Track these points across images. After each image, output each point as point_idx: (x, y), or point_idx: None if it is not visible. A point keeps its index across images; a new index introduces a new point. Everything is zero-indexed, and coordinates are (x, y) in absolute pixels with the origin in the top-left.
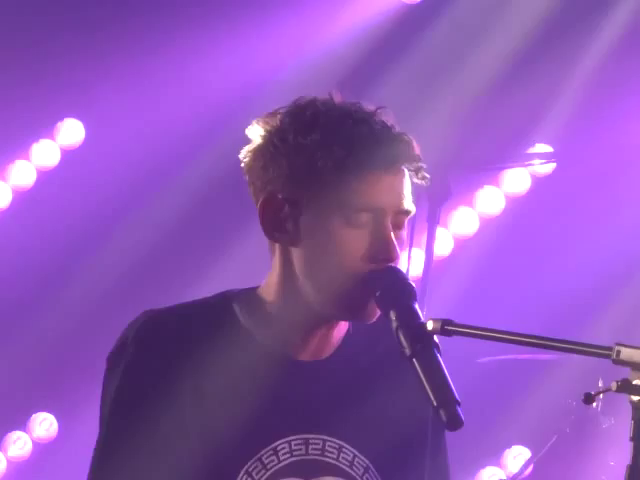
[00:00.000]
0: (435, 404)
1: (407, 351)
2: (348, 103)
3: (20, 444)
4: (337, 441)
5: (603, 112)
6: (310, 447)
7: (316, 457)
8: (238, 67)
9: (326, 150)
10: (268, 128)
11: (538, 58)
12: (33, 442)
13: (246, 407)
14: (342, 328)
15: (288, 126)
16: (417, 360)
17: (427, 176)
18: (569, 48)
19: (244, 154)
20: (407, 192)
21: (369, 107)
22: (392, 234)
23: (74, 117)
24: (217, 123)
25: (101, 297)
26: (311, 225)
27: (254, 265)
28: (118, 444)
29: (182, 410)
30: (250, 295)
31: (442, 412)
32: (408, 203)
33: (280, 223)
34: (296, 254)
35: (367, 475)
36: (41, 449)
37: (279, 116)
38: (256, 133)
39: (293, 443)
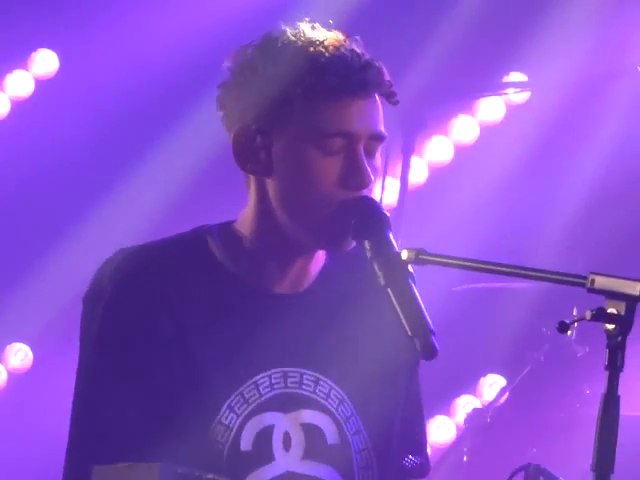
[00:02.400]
0: (409, 333)
1: (381, 281)
2: (318, 32)
3: None
4: (314, 374)
5: (577, 41)
6: (289, 380)
7: (294, 390)
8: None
9: (295, 78)
10: (239, 61)
11: None
12: (8, 372)
13: (226, 342)
14: (319, 260)
15: (258, 57)
16: (391, 290)
17: (398, 101)
18: None
19: (217, 90)
20: (379, 117)
21: (340, 35)
22: (365, 160)
23: (48, 48)
24: (191, 61)
25: (73, 227)
26: (284, 154)
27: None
28: (104, 384)
29: (164, 347)
30: (226, 229)
31: (416, 341)
32: (380, 128)
33: (253, 154)
34: (270, 185)
35: (342, 407)
36: (16, 379)
37: (249, 49)
38: (228, 67)
39: (273, 377)
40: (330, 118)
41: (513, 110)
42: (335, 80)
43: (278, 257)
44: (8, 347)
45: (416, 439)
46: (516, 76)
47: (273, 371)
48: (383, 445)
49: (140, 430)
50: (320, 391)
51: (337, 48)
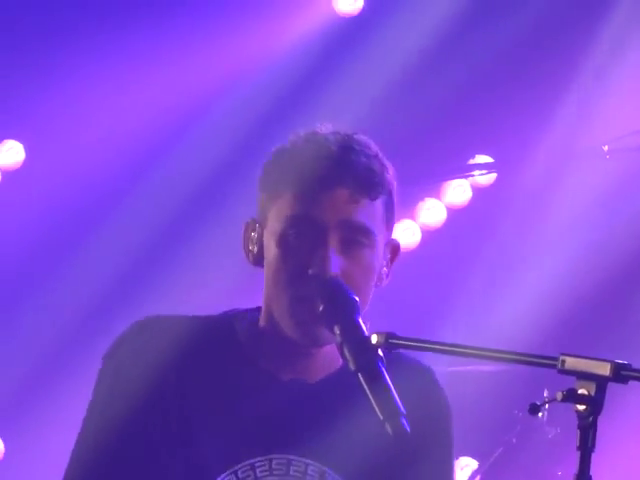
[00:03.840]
0: (381, 417)
1: (352, 365)
2: (317, 135)
3: None
4: (320, 466)
5: (540, 122)
6: (292, 468)
7: (297, 479)
8: (174, 81)
9: (272, 179)
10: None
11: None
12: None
13: (228, 419)
14: (333, 358)
15: (267, 162)
16: (362, 374)
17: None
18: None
19: None
20: (353, 207)
21: (327, 130)
22: (330, 249)
23: (14, 139)
24: (155, 154)
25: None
26: (266, 246)
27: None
28: (102, 435)
29: (166, 415)
30: (252, 313)
31: (387, 425)
32: (360, 216)
33: (251, 245)
34: (266, 278)
35: None
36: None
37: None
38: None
39: (274, 462)
40: (296, 206)
41: (479, 192)
42: (298, 173)
43: (282, 346)
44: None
45: None
46: (482, 158)
47: (275, 456)
48: None
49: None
50: None
51: (321, 146)
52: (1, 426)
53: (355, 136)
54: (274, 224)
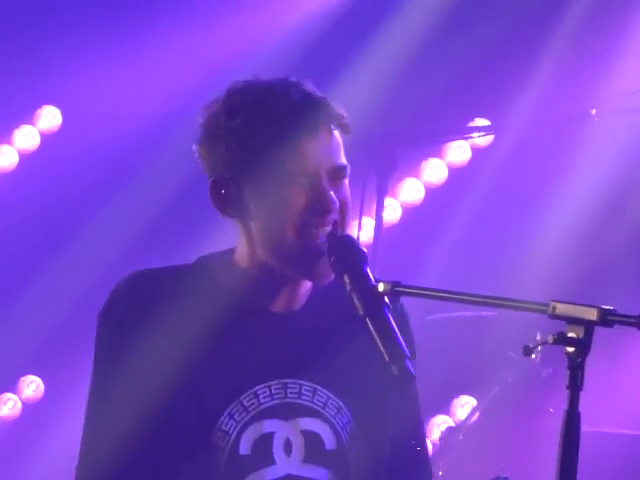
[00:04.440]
0: (387, 359)
1: (360, 311)
2: (275, 80)
3: (10, 405)
4: (312, 385)
5: (536, 86)
6: (288, 391)
7: (294, 400)
8: (199, 59)
9: (251, 128)
10: (207, 116)
11: (474, 36)
12: (22, 403)
13: (226, 355)
14: (307, 283)
15: (221, 111)
16: (370, 319)
17: (350, 131)
18: (503, 24)
19: (195, 146)
20: (338, 150)
21: (289, 80)
22: (328, 190)
23: (52, 104)
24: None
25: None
26: (255, 198)
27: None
28: (108, 392)
29: (166, 361)
30: (227, 258)
31: (393, 366)
32: (340, 160)
33: (228, 201)
34: (252, 227)
35: (339, 415)
36: (29, 409)
37: (214, 105)
38: (199, 124)
39: (273, 387)
40: (289, 161)
41: (478, 152)
42: (287, 125)
43: (271, 283)
44: (22, 379)
45: (411, 453)
46: (480, 121)
47: (273, 382)
48: (377, 450)
49: (141, 440)
50: (318, 401)
51: (287, 93)
52: (41, 367)
53: (298, 80)
54: (266, 179)
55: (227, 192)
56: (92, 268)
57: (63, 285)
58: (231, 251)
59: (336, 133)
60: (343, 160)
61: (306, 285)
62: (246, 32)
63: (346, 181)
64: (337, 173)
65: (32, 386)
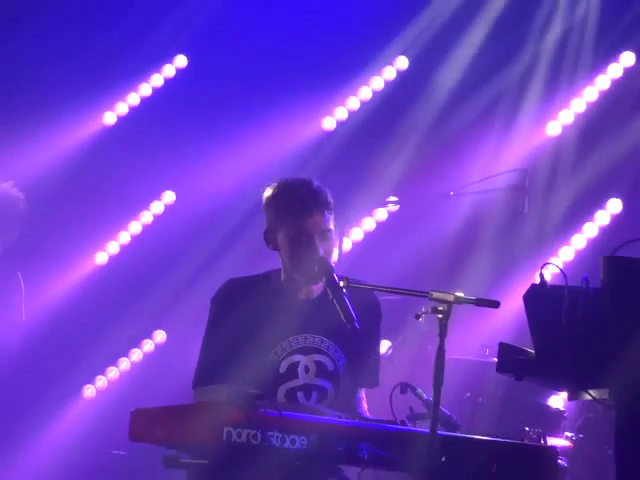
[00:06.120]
0: (345, 321)
1: (330, 296)
2: (294, 180)
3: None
4: (320, 337)
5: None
6: (308, 340)
7: (310, 344)
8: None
9: (278, 210)
10: (267, 194)
11: None
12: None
13: (277, 319)
14: (318, 286)
15: (272, 194)
16: (335, 300)
17: (333, 211)
18: None
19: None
20: (326, 220)
21: (303, 179)
22: (317, 243)
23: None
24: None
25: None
26: (282, 242)
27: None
28: (211, 339)
29: (245, 320)
30: (277, 271)
31: (348, 324)
32: (326, 226)
33: (269, 241)
34: (283, 256)
35: (336, 353)
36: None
37: (272, 187)
38: (264, 196)
39: (299, 337)
40: (297, 226)
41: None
42: (295, 209)
43: (297, 284)
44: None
45: (372, 365)
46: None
47: (300, 335)
48: (355, 368)
49: (227, 358)
50: (325, 345)
51: (297, 190)
52: (164, 317)
53: (307, 179)
54: (284, 234)
55: (269, 237)
56: (211, 275)
57: (196, 278)
58: (279, 268)
59: (324, 212)
60: (328, 225)
61: (316, 286)
62: (279, 146)
63: (330, 234)
64: (323, 234)
65: (159, 336)
